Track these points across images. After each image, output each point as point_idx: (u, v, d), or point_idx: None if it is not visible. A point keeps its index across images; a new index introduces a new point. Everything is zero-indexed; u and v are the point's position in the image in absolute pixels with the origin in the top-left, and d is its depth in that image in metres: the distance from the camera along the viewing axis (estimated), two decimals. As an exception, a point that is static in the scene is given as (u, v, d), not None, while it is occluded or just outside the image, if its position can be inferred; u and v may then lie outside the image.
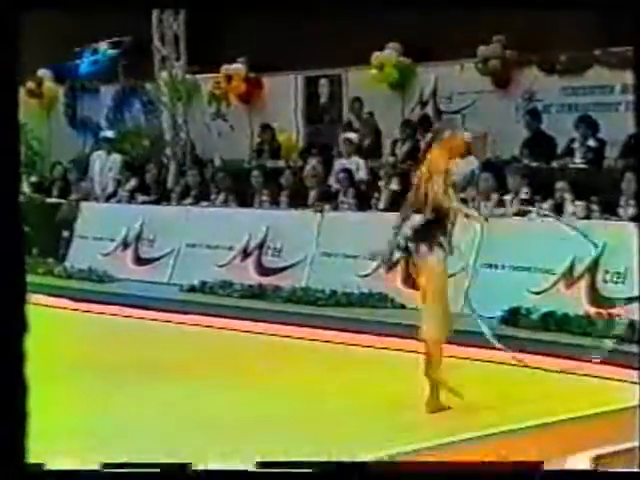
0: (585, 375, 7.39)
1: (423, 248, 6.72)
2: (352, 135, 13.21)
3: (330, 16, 11.71)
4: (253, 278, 11.78)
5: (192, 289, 11.86)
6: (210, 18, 13.64)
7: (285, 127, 14.29)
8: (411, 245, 6.84)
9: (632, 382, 6.89)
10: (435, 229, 6.73)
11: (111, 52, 14.77)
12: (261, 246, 11.94)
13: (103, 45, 14.82)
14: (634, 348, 8.22)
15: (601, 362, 7.62)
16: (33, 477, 2.51)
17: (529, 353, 7.98)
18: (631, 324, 8.87)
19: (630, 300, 9.10)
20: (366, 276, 10.87)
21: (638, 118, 2.85)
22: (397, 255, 8.04)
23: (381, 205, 12.03)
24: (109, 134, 15.27)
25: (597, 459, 5.00)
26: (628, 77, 11.56)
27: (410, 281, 10.62)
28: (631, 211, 10.17)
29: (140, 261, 13.01)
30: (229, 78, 14.75)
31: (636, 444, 4.86)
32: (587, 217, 10.30)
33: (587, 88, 12.02)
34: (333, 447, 5.19)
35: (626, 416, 5.82)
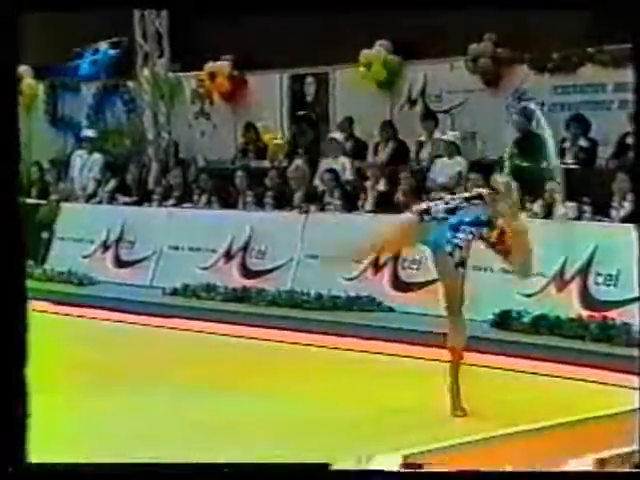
0: (578, 380, 7.30)
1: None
2: (338, 135, 12.99)
3: (317, 13, 11.51)
4: (237, 281, 11.58)
5: (174, 292, 11.68)
6: (193, 14, 13.37)
7: (270, 126, 14.04)
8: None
9: (624, 386, 6.90)
10: None
11: (111, 52, 14.55)
12: (245, 248, 11.74)
13: (103, 45, 14.61)
14: (626, 351, 8.12)
15: (593, 366, 7.54)
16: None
17: (520, 357, 7.91)
18: (624, 327, 8.69)
19: (623, 303, 8.97)
20: (353, 279, 10.66)
21: (638, 118, 2.67)
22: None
23: (368, 206, 11.83)
24: (90, 133, 15.06)
25: (596, 463, 4.86)
26: (620, 75, 11.42)
27: (398, 284, 10.51)
28: (623, 212, 10.02)
29: (121, 263, 12.81)
30: (213, 76, 14.50)
31: (635, 447, 4.77)
32: (578, 218, 10.13)
33: (579, 87, 11.83)
34: (315, 451, 5.14)
35: (623, 420, 5.71)
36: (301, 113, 13.92)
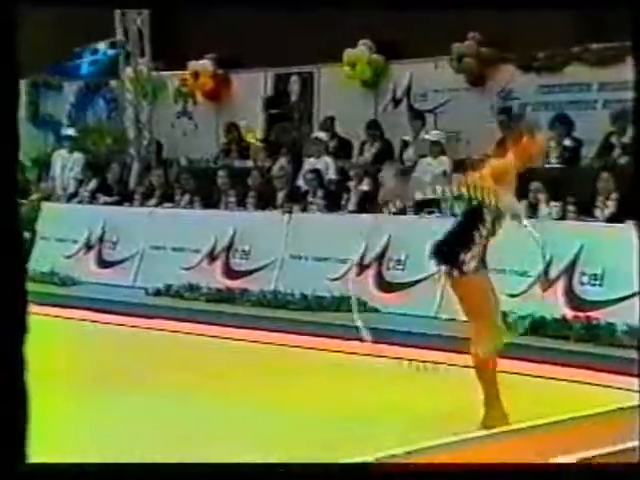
0: (562, 380, 7.27)
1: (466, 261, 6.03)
2: (322, 134, 12.91)
3: (302, 12, 11.47)
4: (220, 281, 11.49)
5: (158, 292, 11.57)
6: (176, 12, 13.28)
7: (253, 126, 13.95)
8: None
9: (608, 386, 6.92)
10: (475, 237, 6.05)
11: (111, 52, 14.44)
12: (228, 248, 11.64)
13: (103, 45, 14.50)
14: (612, 352, 8.14)
15: (577, 366, 7.47)
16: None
17: (504, 357, 7.84)
18: (608, 327, 8.64)
19: (608, 302, 8.94)
20: (337, 279, 10.60)
21: (638, 119, 2.65)
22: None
23: (351, 206, 11.77)
24: (71, 132, 14.92)
25: (582, 462, 4.85)
26: (605, 75, 11.41)
27: (383, 285, 10.44)
28: (607, 211, 10.00)
29: (103, 263, 12.70)
30: (196, 75, 14.39)
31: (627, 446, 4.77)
32: (563, 218, 10.09)
33: (564, 86, 11.79)
34: (303, 452, 5.10)
35: (608, 419, 5.75)
36: (274, 112, 13.83)
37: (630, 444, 4.89)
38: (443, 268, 6.16)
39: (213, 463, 4.39)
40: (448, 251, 6.09)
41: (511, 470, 4.36)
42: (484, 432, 5.72)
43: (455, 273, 6.00)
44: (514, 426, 5.79)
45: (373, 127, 12.75)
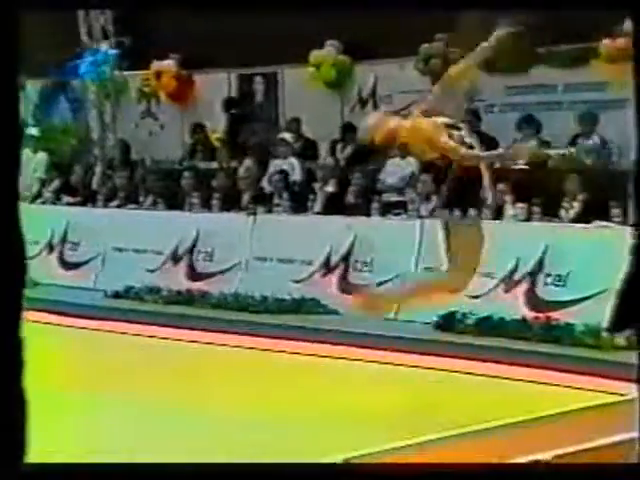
0: (518, 380, 7.27)
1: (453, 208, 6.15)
2: (287, 135, 12.79)
3: (267, 11, 11.36)
4: (183, 283, 11.35)
5: (117, 295, 11.43)
6: (139, 12, 13.13)
7: (218, 127, 13.80)
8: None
9: (569, 387, 6.97)
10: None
11: (111, 52, 14.31)
12: (191, 250, 11.52)
13: (103, 45, 14.35)
14: (570, 351, 8.16)
15: (537, 366, 7.48)
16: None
17: (463, 358, 7.82)
18: (567, 327, 8.61)
19: (569, 303, 8.92)
20: (300, 281, 10.47)
21: (638, 119, 2.57)
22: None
23: (317, 208, 11.66)
24: (35, 132, 14.73)
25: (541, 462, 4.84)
26: (571, 76, 11.35)
27: (346, 286, 10.34)
28: (573, 212, 9.95)
29: (66, 265, 12.53)
30: (159, 75, 14.22)
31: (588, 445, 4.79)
32: (528, 219, 10.03)
33: (530, 87, 11.71)
34: (263, 453, 5.14)
35: (572, 418, 5.73)
36: (235, 112, 13.71)
37: (590, 444, 4.88)
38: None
39: (216, 463, 4.42)
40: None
41: (495, 470, 4.31)
42: (447, 433, 5.62)
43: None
44: (474, 427, 5.69)
45: (349, 129, 12.62)
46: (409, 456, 4.99)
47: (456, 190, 6.11)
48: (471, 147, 6.20)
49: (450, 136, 6.07)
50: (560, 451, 4.99)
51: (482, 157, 6.25)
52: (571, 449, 5.01)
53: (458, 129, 6.20)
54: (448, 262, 6.25)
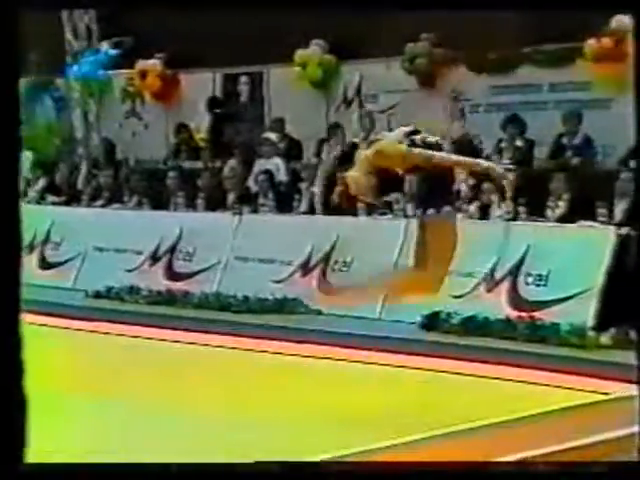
0: (506, 380, 7.22)
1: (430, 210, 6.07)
2: (272, 135, 12.72)
3: (252, 11, 11.29)
4: (162, 283, 11.28)
5: (98, 295, 11.36)
6: (124, 10, 13.04)
7: (202, 126, 13.73)
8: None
9: (557, 386, 6.90)
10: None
11: (112, 52, 14.23)
12: (172, 250, 11.44)
13: (104, 45, 14.27)
14: (556, 351, 8.12)
15: (523, 366, 7.44)
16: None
17: (448, 358, 7.78)
18: (553, 327, 8.60)
19: (551, 302, 8.89)
20: (281, 281, 10.42)
21: (638, 120, 2.55)
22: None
23: (302, 208, 11.60)
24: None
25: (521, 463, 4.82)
26: (556, 75, 11.34)
27: (326, 286, 10.28)
28: (559, 212, 9.93)
29: (46, 265, 12.46)
30: (144, 74, 14.14)
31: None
32: (514, 219, 10.01)
33: (515, 87, 11.69)
34: (245, 452, 5.01)
35: (555, 419, 5.69)
36: (218, 111, 13.65)
37: (576, 442, 4.86)
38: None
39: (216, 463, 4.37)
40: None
41: (481, 469, 4.29)
42: (432, 433, 5.58)
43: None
44: (460, 427, 5.66)
45: (336, 130, 12.57)
46: (395, 455, 4.97)
47: (427, 187, 6.08)
48: (439, 146, 6.17)
49: (413, 142, 6.05)
50: (546, 450, 4.98)
51: (454, 161, 6.22)
52: (557, 448, 4.99)
53: (418, 132, 6.18)
54: (417, 261, 6.20)
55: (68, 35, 13.75)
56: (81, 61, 14.33)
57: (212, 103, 13.70)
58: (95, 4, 11.88)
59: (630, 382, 6.39)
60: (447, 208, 6.03)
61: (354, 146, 12.47)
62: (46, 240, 12.52)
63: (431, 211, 6.01)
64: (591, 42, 10.77)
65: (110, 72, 14.30)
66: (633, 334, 8.18)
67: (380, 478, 4.14)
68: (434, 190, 6.04)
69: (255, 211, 11.61)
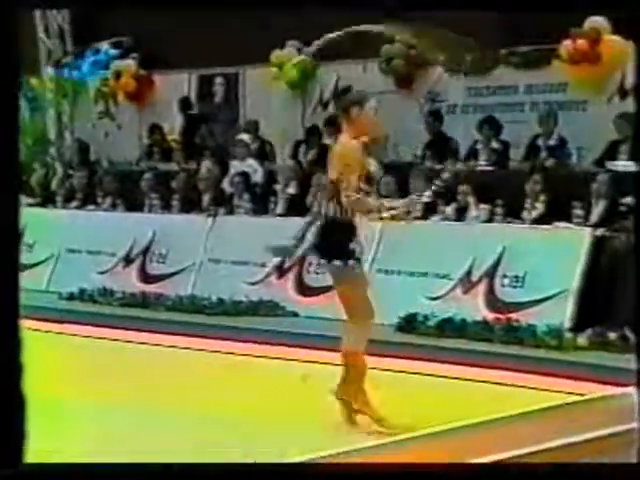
0: (483, 382, 7.21)
1: (333, 258, 5.94)
2: (246, 137, 12.65)
3: (228, 11, 11.22)
4: (135, 285, 11.20)
5: (71, 297, 11.26)
6: (97, 9, 12.92)
7: (175, 128, 13.64)
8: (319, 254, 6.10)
9: (533, 388, 6.91)
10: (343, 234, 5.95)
11: (112, 52, 14.11)
12: (145, 252, 11.36)
13: (104, 45, 14.15)
14: (532, 352, 8.12)
15: (499, 368, 7.43)
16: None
17: (426, 360, 7.73)
18: (529, 328, 8.58)
19: (527, 304, 8.89)
20: (255, 283, 10.35)
21: (638, 120, 2.52)
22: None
23: (278, 210, 11.53)
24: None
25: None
26: (531, 77, 11.34)
27: (302, 288, 10.22)
28: (535, 213, 9.92)
29: (19, 267, 12.28)
30: (118, 75, 14.04)
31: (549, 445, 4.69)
32: (490, 220, 9.99)
33: (491, 88, 11.68)
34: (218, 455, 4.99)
35: (534, 420, 5.49)
36: (192, 113, 13.58)
37: (551, 443, 4.82)
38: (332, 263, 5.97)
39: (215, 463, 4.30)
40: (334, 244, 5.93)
41: (457, 470, 4.24)
42: (397, 438, 5.53)
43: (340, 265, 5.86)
44: (437, 428, 5.61)
45: (314, 132, 12.51)
46: (371, 457, 4.92)
47: (326, 238, 5.97)
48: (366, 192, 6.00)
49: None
50: (522, 451, 4.93)
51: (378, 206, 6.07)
52: (534, 449, 4.94)
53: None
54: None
55: (41, 34, 13.63)
56: (81, 61, 14.26)
57: (184, 104, 13.61)
58: (71, 4, 11.79)
59: (605, 383, 6.42)
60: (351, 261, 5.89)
61: (329, 148, 12.43)
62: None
63: (337, 263, 5.90)
64: (566, 44, 10.78)
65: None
66: (610, 335, 8.18)
67: (355, 478, 4.10)
68: (331, 242, 5.94)
69: (230, 213, 11.55)
